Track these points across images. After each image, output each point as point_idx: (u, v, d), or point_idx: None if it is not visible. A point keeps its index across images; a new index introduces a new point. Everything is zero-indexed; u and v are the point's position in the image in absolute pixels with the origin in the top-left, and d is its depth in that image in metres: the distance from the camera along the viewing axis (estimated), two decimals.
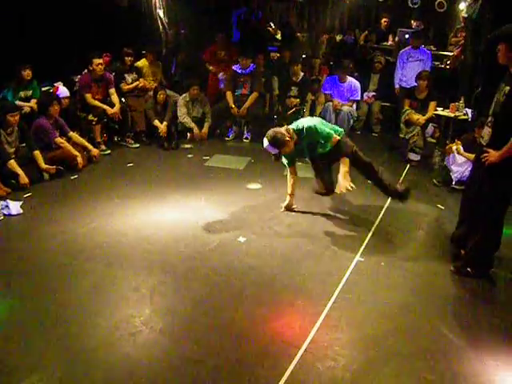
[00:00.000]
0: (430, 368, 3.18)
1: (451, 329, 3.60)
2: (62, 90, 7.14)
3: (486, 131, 4.09)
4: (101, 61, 7.49)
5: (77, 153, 6.52)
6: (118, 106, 7.66)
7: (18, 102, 6.91)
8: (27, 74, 7.13)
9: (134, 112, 8.07)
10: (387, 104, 9.61)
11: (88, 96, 7.44)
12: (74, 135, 6.75)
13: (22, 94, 7.21)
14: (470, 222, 4.38)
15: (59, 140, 6.44)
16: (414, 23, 10.80)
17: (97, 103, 7.49)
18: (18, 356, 3.14)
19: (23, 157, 6.12)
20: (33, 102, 7.17)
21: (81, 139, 6.86)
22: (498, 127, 3.94)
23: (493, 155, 3.90)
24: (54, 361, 3.11)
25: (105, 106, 7.53)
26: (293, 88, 8.70)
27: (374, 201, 5.95)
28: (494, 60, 3.96)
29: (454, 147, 6.26)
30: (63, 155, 6.42)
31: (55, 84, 7.41)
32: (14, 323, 3.48)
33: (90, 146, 6.92)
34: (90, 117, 7.38)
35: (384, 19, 10.91)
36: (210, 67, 9.55)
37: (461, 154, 6.17)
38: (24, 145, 6.23)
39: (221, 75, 9.27)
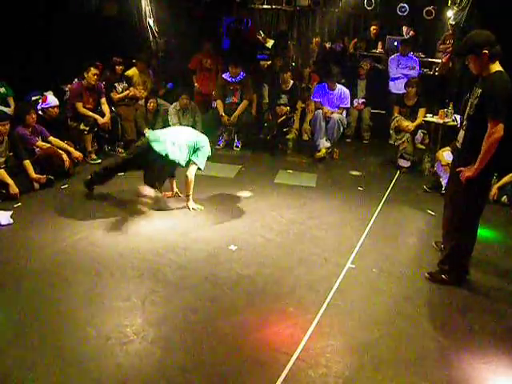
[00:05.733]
0: (422, 374, 3.19)
1: (443, 334, 3.62)
2: (51, 99, 7.11)
3: (461, 134, 4.17)
4: (97, 71, 7.46)
5: (61, 151, 6.52)
6: (108, 115, 7.63)
7: None
8: None
9: (124, 121, 8.06)
10: (377, 111, 9.67)
11: (79, 105, 7.41)
12: (53, 139, 6.69)
13: None
14: (445, 229, 4.41)
15: (41, 143, 6.46)
16: (405, 29, 10.88)
17: (87, 112, 7.45)
18: (7, 368, 3.10)
19: (13, 166, 6.08)
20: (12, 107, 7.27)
21: (61, 143, 6.77)
22: (472, 130, 4.00)
23: (468, 171, 3.93)
24: (46, 372, 3.08)
25: (95, 116, 7.49)
26: (283, 96, 8.71)
27: (365, 207, 5.98)
28: None
29: (443, 153, 6.31)
30: (48, 153, 6.40)
31: (45, 93, 7.39)
32: (3, 334, 3.45)
33: (70, 149, 6.81)
34: (82, 126, 7.35)
35: (373, 27, 10.97)
36: (195, 84, 9.59)
37: (443, 165, 6.25)
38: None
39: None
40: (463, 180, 3.98)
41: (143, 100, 8.41)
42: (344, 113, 8.64)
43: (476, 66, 3.91)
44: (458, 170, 4.08)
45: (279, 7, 12.32)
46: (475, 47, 3.83)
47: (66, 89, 8.23)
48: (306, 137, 9.40)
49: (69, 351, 3.27)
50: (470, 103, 4.05)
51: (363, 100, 9.59)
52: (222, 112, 8.42)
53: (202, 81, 9.56)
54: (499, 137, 3.73)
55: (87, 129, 7.37)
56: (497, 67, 3.86)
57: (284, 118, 8.60)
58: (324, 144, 8.22)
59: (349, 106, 8.81)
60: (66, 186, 6.38)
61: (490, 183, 4.74)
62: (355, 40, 11.11)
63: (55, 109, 7.10)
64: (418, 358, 3.34)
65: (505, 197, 6.27)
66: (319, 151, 8.17)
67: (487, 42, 3.80)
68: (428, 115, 7.80)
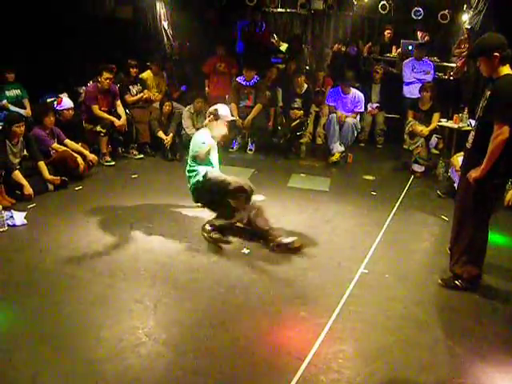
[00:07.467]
0: (434, 380, 3.17)
1: (456, 340, 3.58)
2: (66, 102, 7.17)
3: (471, 135, 4.20)
4: (111, 75, 7.51)
5: (76, 154, 6.57)
6: (124, 117, 7.67)
7: (11, 107, 7.15)
8: (11, 76, 7.52)
9: (138, 123, 8.10)
10: (391, 115, 9.63)
11: (95, 107, 7.46)
12: (69, 142, 6.74)
13: (7, 93, 7.48)
14: (455, 231, 4.38)
15: (56, 146, 6.52)
16: (419, 34, 10.84)
17: (104, 115, 7.51)
18: (21, 368, 3.12)
19: (27, 168, 6.13)
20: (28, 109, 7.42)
21: (76, 145, 6.82)
22: (481, 131, 4.03)
23: (475, 172, 3.94)
24: (57, 372, 3.10)
25: (112, 118, 7.53)
26: (297, 100, 8.72)
27: (378, 212, 5.95)
28: None
29: (458, 158, 6.26)
30: (63, 156, 6.45)
31: (60, 95, 7.45)
32: (17, 334, 3.47)
33: (85, 152, 6.86)
34: (99, 128, 7.40)
35: (387, 31, 10.93)
36: (206, 88, 9.64)
37: (457, 170, 6.19)
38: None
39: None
40: (471, 181, 3.99)
41: (158, 103, 8.44)
42: (358, 117, 8.63)
43: (487, 68, 3.97)
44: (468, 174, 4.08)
45: (293, 11, 12.32)
46: (487, 50, 3.89)
47: (81, 91, 8.29)
48: (319, 141, 9.38)
49: (81, 352, 3.28)
50: (480, 105, 4.09)
51: (377, 104, 9.56)
52: (236, 115, 8.43)
53: (215, 84, 9.58)
54: (504, 139, 3.76)
55: (104, 131, 7.42)
56: (506, 70, 3.90)
57: (298, 121, 8.58)
58: (338, 148, 8.21)
59: (363, 110, 8.79)
60: (80, 187, 6.42)
61: (503, 186, 4.69)
62: (369, 44, 11.08)
63: (70, 111, 7.16)
64: (431, 365, 3.31)
65: None
66: (333, 155, 8.15)
67: (499, 45, 3.87)
68: (442, 120, 7.76)
